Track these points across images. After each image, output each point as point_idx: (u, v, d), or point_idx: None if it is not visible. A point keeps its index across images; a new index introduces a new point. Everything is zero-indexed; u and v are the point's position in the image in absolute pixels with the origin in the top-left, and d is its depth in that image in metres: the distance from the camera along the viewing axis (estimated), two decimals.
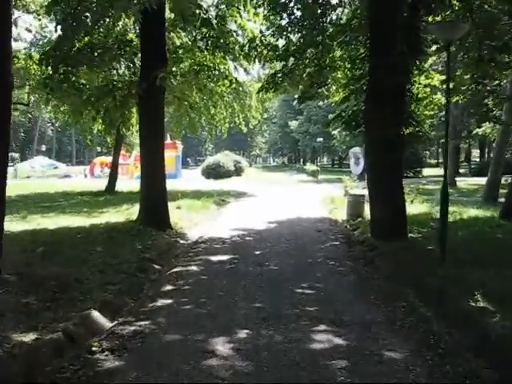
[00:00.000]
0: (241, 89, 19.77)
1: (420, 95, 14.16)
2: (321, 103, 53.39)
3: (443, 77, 16.27)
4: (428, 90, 15.40)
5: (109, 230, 11.84)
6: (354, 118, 12.92)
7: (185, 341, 5.39)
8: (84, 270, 7.84)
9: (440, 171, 52.59)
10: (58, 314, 5.81)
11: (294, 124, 72.70)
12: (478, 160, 62.82)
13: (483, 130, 36.15)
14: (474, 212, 15.93)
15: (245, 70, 18.59)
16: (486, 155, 61.19)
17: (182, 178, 40.79)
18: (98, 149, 61.96)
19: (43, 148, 75.63)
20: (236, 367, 4.70)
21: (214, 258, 9.94)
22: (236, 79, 17.82)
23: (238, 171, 46.99)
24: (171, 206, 15.02)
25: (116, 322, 6.11)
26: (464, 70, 14.75)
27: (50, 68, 11.87)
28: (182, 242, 12.04)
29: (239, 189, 29.38)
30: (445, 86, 16.16)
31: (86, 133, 23.03)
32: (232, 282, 8.01)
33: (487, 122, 32.62)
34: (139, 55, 13.56)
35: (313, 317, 6.15)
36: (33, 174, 45.47)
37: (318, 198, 23.24)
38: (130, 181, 32.25)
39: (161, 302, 6.89)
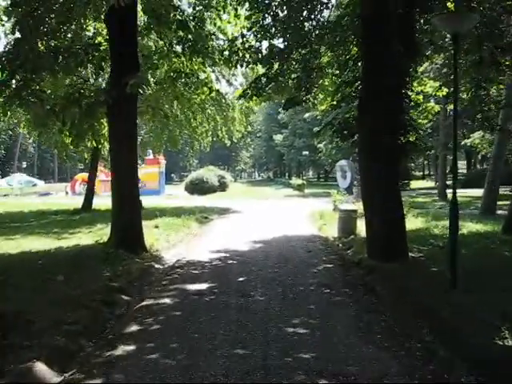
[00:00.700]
0: (223, 100, 18.95)
1: (413, 102, 13.25)
2: (306, 115, 52.80)
3: (437, 83, 15.52)
4: (420, 97, 14.63)
5: (76, 254, 10.78)
6: (345, 127, 11.83)
7: None
8: (38, 304, 6.60)
9: (427, 184, 52.23)
10: None
11: (278, 138, 72.19)
12: (464, 171, 62.37)
13: (471, 141, 35.46)
14: (473, 226, 14.97)
15: (227, 81, 17.70)
16: (472, 166, 60.95)
17: (166, 194, 39.94)
18: (81, 165, 60.68)
19: (24, 165, 74.34)
20: None
21: (191, 287, 8.67)
22: (218, 90, 16.99)
23: (223, 186, 46.26)
24: (149, 225, 14.03)
25: (63, 377, 4.87)
26: (462, 75, 13.75)
27: (5, 73, 10.64)
28: (156, 266, 10.78)
29: (223, 205, 28.22)
30: (439, 93, 15.51)
31: (60, 147, 22.06)
32: (210, 319, 6.70)
33: (476, 133, 31.98)
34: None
35: (310, 368, 4.90)
36: (10, 192, 44.03)
37: (305, 214, 22.30)
38: None
39: (121, 350, 5.58)
